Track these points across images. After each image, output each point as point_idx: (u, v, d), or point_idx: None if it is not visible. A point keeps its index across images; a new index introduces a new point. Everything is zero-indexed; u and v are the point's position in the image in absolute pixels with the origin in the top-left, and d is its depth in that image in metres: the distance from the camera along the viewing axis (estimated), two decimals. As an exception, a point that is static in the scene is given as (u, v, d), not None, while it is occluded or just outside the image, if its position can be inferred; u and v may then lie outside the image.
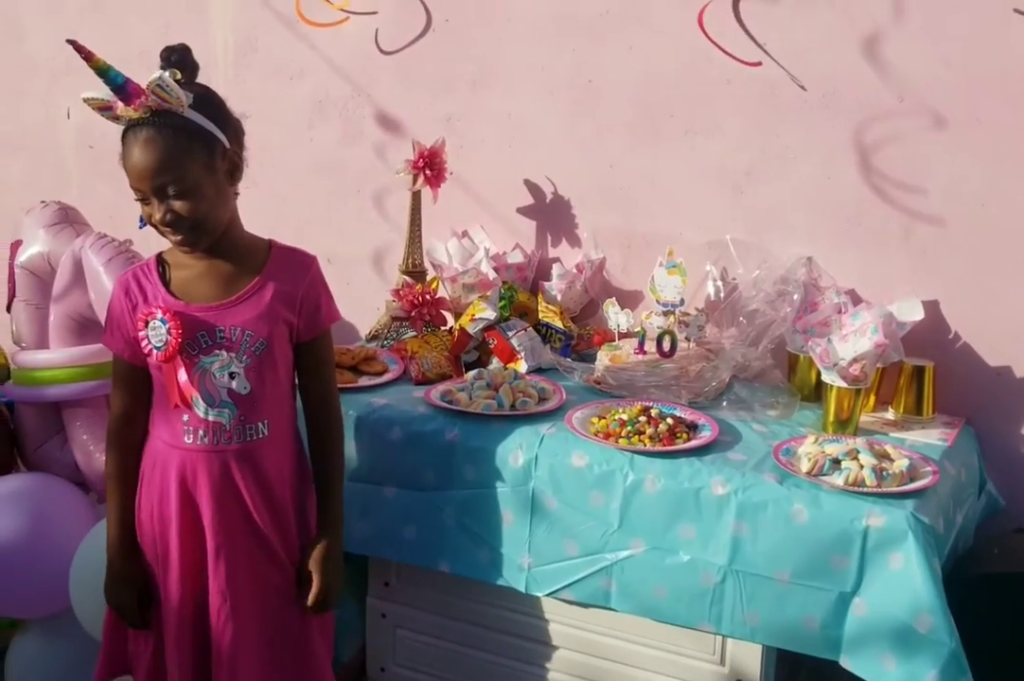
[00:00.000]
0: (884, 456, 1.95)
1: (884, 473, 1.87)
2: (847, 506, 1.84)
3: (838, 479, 1.88)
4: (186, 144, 1.75)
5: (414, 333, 2.46)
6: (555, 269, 2.53)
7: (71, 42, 1.73)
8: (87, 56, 1.72)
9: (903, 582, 1.79)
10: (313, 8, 2.66)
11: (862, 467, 1.88)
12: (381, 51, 2.67)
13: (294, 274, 1.88)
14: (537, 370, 2.37)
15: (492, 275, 2.47)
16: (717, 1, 2.28)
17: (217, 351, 1.81)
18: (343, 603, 2.33)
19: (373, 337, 2.55)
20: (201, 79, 2.90)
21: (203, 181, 1.77)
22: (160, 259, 1.88)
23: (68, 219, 2.58)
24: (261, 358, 1.83)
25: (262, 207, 2.89)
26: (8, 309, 2.65)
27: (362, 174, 2.76)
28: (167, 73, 1.72)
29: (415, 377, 2.30)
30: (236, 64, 2.85)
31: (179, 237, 1.80)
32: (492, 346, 2.37)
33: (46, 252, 2.54)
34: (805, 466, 1.92)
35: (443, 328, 2.49)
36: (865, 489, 1.85)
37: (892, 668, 1.79)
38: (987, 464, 2.24)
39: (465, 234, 2.64)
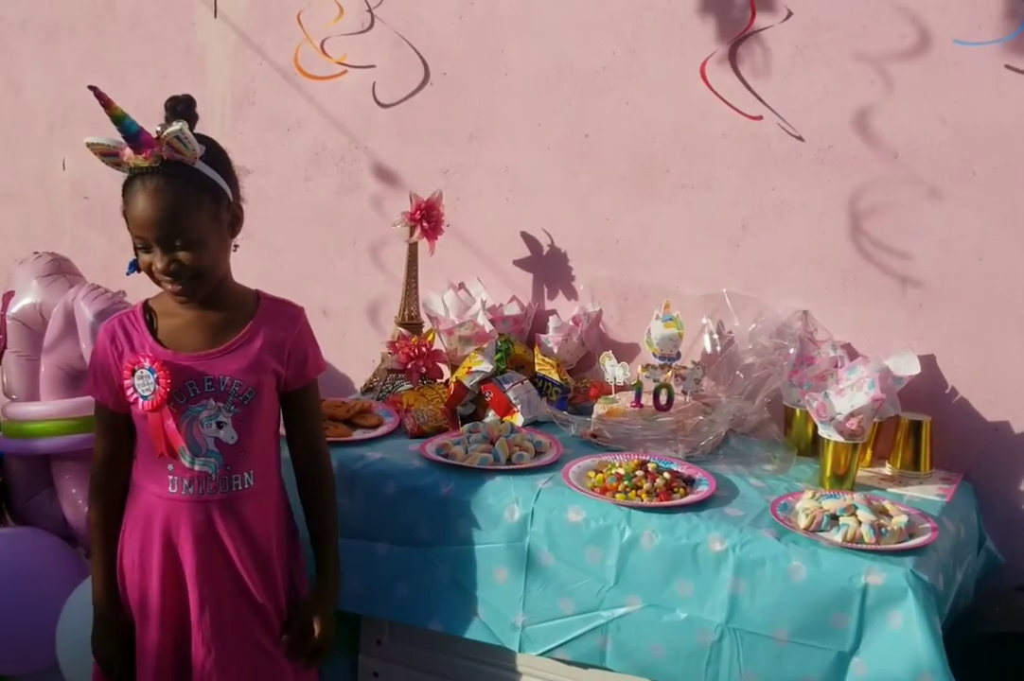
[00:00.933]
0: (882, 512, 1.93)
1: (883, 530, 1.85)
2: (846, 563, 1.81)
3: (836, 536, 1.86)
4: (195, 195, 1.76)
5: (410, 386, 2.44)
6: (551, 321, 2.52)
7: (92, 88, 1.73)
8: (106, 103, 1.73)
9: (903, 641, 1.76)
10: (311, 61, 2.69)
11: (860, 523, 1.86)
12: (379, 104, 2.69)
13: (282, 325, 1.88)
14: (533, 423, 2.35)
15: (488, 327, 2.47)
16: (714, 57, 2.31)
17: (205, 400, 1.80)
18: (334, 661, 2.31)
19: (368, 389, 2.54)
20: (198, 131, 2.94)
21: (209, 233, 1.78)
22: (147, 307, 1.87)
23: (61, 270, 2.59)
24: (249, 407, 1.82)
25: (258, 258, 2.91)
26: (-2, 360, 2.64)
27: (358, 226, 2.76)
28: (184, 125, 1.72)
29: (410, 430, 2.28)
30: (233, 116, 2.87)
31: (179, 287, 1.79)
32: (488, 399, 2.35)
33: (38, 303, 2.54)
34: (803, 522, 1.90)
35: (439, 381, 2.47)
36: (864, 546, 1.83)
37: (893, 731, 1.76)
38: (985, 520, 2.22)
39: (462, 286, 2.63)
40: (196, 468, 1.82)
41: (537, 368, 2.45)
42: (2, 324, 2.60)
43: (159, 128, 1.72)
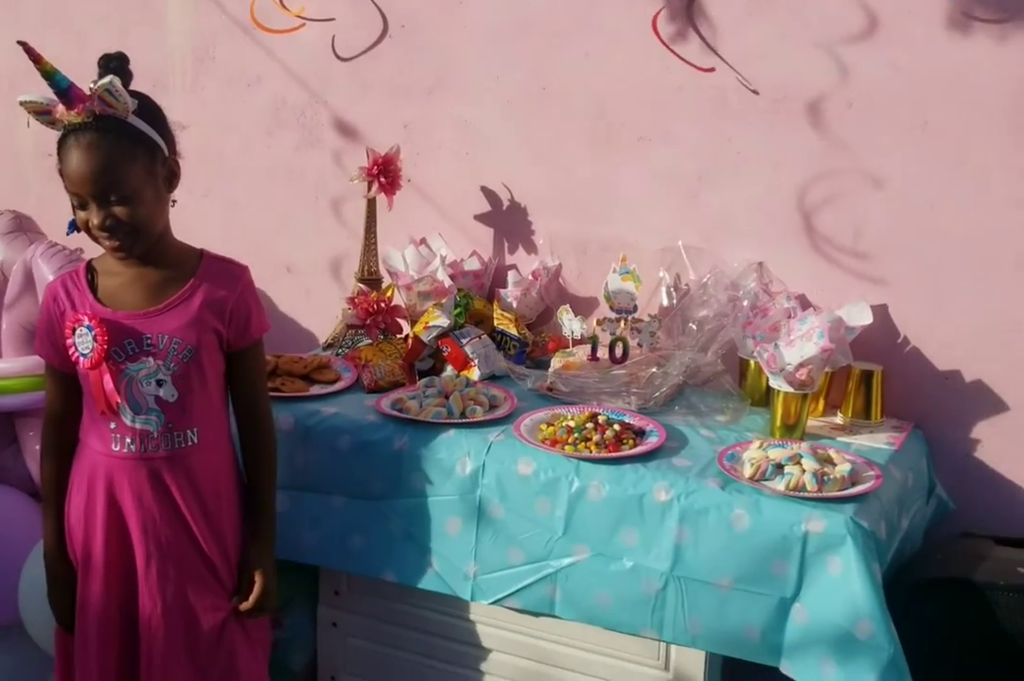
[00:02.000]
0: (828, 461, 1.95)
1: (825, 478, 1.87)
2: (787, 511, 1.84)
3: (779, 484, 1.88)
4: (129, 149, 1.76)
5: (369, 341, 2.45)
6: (511, 276, 2.53)
7: (22, 44, 1.73)
8: (36, 58, 1.73)
9: (842, 587, 1.78)
10: (269, 15, 2.66)
11: (804, 472, 1.88)
12: (338, 57, 2.67)
13: (224, 283, 1.88)
14: (491, 377, 2.36)
15: (448, 282, 2.47)
16: (669, 8, 2.29)
17: (144, 358, 1.81)
18: (295, 612, 2.35)
19: (329, 346, 2.55)
20: (159, 87, 2.93)
21: (144, 187, 1.78)
22: (89, 266, 1.88)
23: (22, 228, 2.59)
24: (189, 366, 1.83)
25: (221, 214, 2.92)
26: (-37, 318, 2.65)
27: (320, 181, 2.75)
28: (115, 79, 1.72)
29: (367, 385, 2.29)
30: (194, 71, 2.85)
31: (115, 243, 1.79)
32: (446, 354, 2.37)
33: (0, 261, 2.55)
34: (748, 471, 1.92)
35: (399, 336, 2.48)
36: (806, 494, 1.85)
37: (831, 674, 1.79)
38: (936, 468, 2.24)
39: (423, 242, 2.63)
40: (137, 426, 1.84)
41: (496, 323, 2.46)
42: (-35, 282, 2.61)
43: (91, 84, 1.72)
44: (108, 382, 1.82)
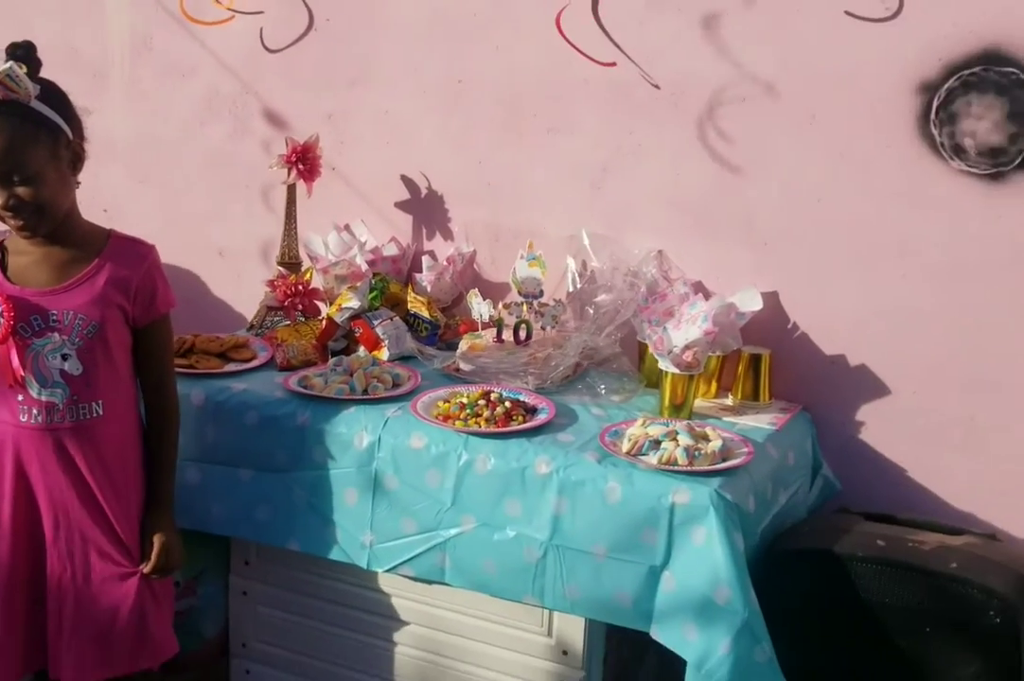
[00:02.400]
0: (703, 438, 2.05)
1: (697, 453, 1.97)
2: (657, 484, 1.93)
3: (652, 458, 1.97)
4: (32, 133, 1.85)
5: (288, 322, 2.55)
6: (425, 261, 2.62)
7: None
8: None
9: (705, 556, 1.88)
10: (202, 7, 2.76)
11: (677, 447, 1.98)
12: (267, 49, 2.76)
13: (130, 262, 1.97)
14: (403, 358, 2.46)
15: (364, 267, 2.57)
16: (576, 4, 2.39)
17: (49, 334, 1.91)
18: (208, 581, 2.44)
19: (251, 326, 2.64)
20: (99, 77, 3.02)
21: (46, 169, 1.87)
22: (1, 246, 1.97)
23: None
24: (93, 341, 1.92)
25: (159, 200, 3.02)
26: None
27: (250, 169, 2.85)
28: (15, 65, 1.82)
29: (280, 364, 2.39)
30: (132, 62, 2.95)
31: (20, 222, 1.89)
32: (358, 335, 2.46)
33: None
34: (625, 446, 2.02)
35: (317, 318, 2.57)
36: (677, 468, 1.95)
37: (694, 638, 1.89)
38: (823, 449, 2.34)
39: (347, 228, 2.73)
40: (43, 398, 1.93)
41: (409, 306, 2.55)
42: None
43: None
44: (14, 357, 1.91)
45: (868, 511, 2.16)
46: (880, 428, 2.32)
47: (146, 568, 2.02)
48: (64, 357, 1.92)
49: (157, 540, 2.02)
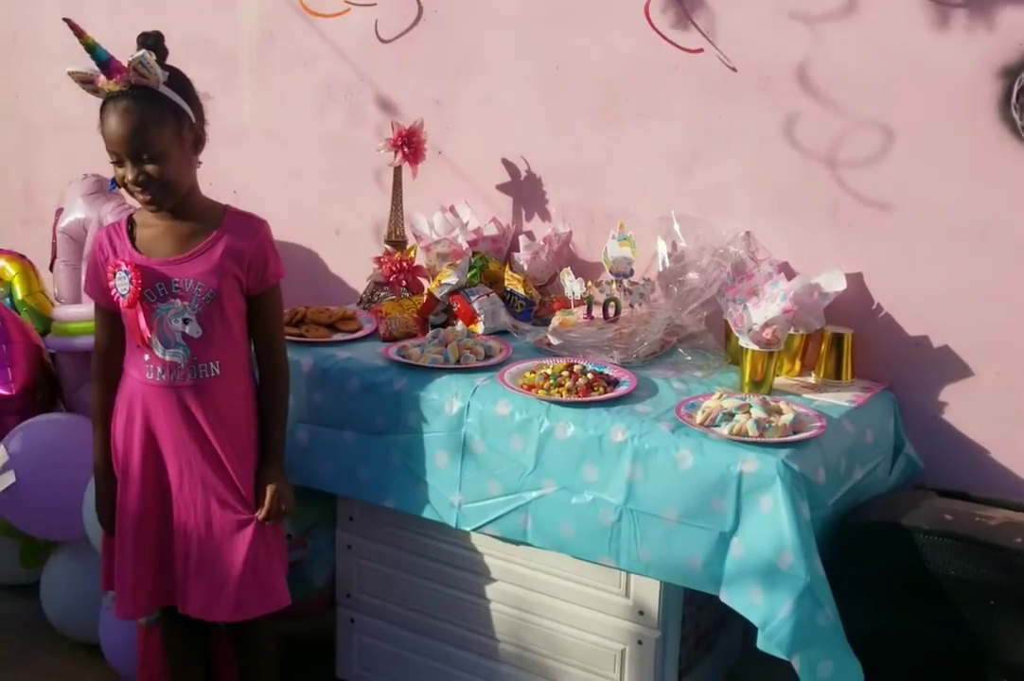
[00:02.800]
0: (776, 411, 2.12)
1: (768, 425, 2.05)
2: (727, 453, 2.02)
3: (724, 429, 2.06)
4: (159, 115, 2.05)
5: (393, 297, 2.71)
6: (522, 241, 2.75)
7: (66, 20, 2.05)
8: (78, 33, 2.05)
9: (771, 523, 1.96)
10: (321, 0, 2.94)
11: (748, 419, 2.06)
12: (380, 40, 2.92)
13: (244, 235, 2.15)
14: (499, 333, 2.59)
15: (464, 246, 2.71)
16: (666, -7, 2.48)
17: (172, 300, 2.10)
18: (318, 534, 2.63)
19: (360, 301, 2.82)
20: (228, 70, 3.23)
21: (172, 148, 2.07)
22: (130, 219, 2.18)
23: (102, 189, 2.93)
24: (211, 307, 2.11)
25: (281, 182, 3.21)
26: (51, 268, 3.01)
27: (364, 153, 3.00)
28: (147, 53, 2.02)
29: (383, 335, 2.55)
30: (259, 53, 3.15)
31: (147, 197, 2.09)
32: (456, 309, 2.61)
33: (82, 218, 2.90)
34: (699, 418, 2.10)
35: (419, 294, 2.73)
36: (747, 439, 2.03)
37: (759, 601, 1.97)
38: (907, 429, 2.38)
39: (451, 209, 2.88)
40: (167, 358, 2.14)
41: (506, 283, 2.68)
42: (53, 237, 2.97)
43: (130, 57, 2.01)
44: (142, 319, 2.12)
45: (943, 488, 2.20)
46: (963, 409, 2.35)
47: (260, 514, 2.20)
48: (185, 321, 2.12)
49: (270, 489, 2.20)
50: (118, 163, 2.07)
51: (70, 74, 2.05)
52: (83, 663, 2.92)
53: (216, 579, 2.22)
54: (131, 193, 2.10)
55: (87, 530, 2.68)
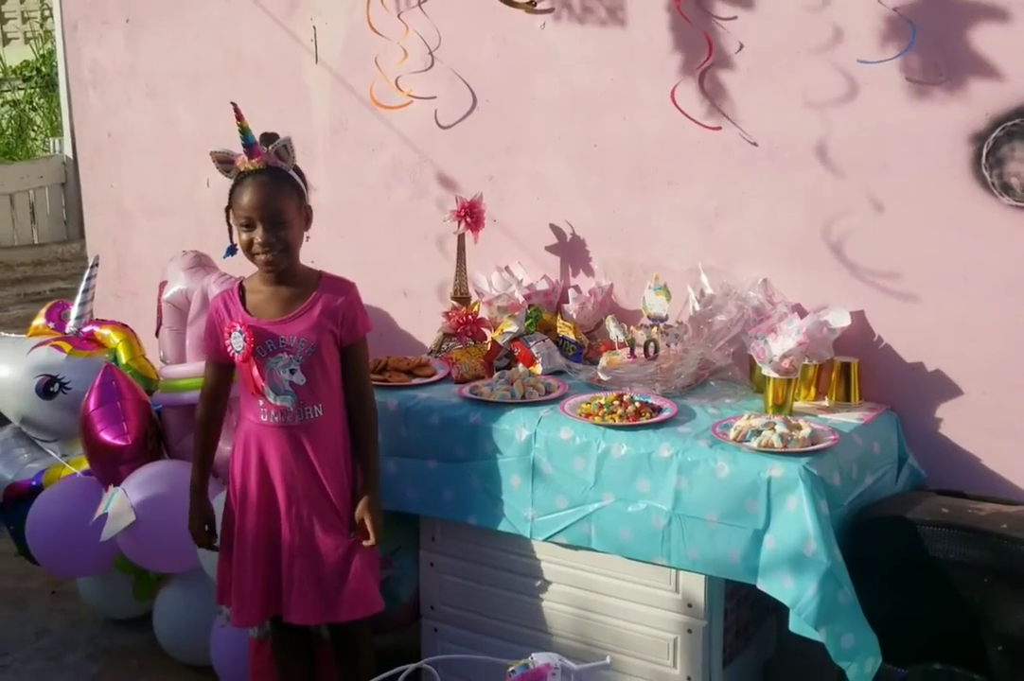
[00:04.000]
0: (796, 428, 2.51)
1: (790, 439, 2.44)
2: (757, 463, 2.40)
3: (753, 443, 2.45)
4: (290, 191, 2.50)
5: (460, 345, 3.13)
6: (571, 294, 3.18)
7: (233, 104, 2.50)
8: (239, 116, 2.51)
9: (796, 519, 2.34)
10: (387, 94, 3.41)
11: (773, 434, 2.45)
12: (439, 126, 3.39)
13: (337, 296, 2.56)
14: (555, 373, 3.00)
15: (520, 300, 3.14)
16: (686, 80, 2.93)
17: (280, 354, 2.51)
18: (404, 554, 3.00)
19: (431, 351, 3.24)
20: (305, 155, 3.70)
21: (295, 218, 2.50)
22: (241, 286, 2.60)
23: (201, 263, 3.38)
24: (312, 358, 2.52)
25: (353, 251, 3.67)
26: (156, 335, 3.45)
27: (428, 223, 3.46)
28: (291, 139, 2.47)
29: (455, 378, 2.97)
30: (332, 141, 3.63)
31: (269, 257, 2.48)
32: (517, 354, 3.02)
33: (184, 289, 3.33)
34: (732, 434, 2.50)
35: (484, 342, 3.15)
36: (774, 450, 2.42)
37: (789, 585, 2.34)
38: (909, 443, 2.76)
39: (507, 269, 3.31)
40: (278, 403, 2.53)
41: (559, 330, 3.10)
42: (159, 306, 3.41)
43: (266, 143, 2.47)
44: (255, 371, 2.52)
45: (939, 488, 2.58)
46: (956, 424, 2.73)
47: (366, 542, 2.57)
48: (292, 371, 2.52)
49: (372, 519, 2.57)
50: (248, 227, 2.47)
51: (212, 153, 2.50)
52: (196, 682, 3.29)
53: (316, 588, 2.58)
54: (252, 255, 2.50)
55: (203, 564, 3.05)
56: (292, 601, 2.60)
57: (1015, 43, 2.52)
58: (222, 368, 2.62)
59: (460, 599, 2.90)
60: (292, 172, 2.52)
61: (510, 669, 1.56)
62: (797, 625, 2.33)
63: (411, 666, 1.57)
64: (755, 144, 2.88)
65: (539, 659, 1.56)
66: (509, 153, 3.28)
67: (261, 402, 2.55)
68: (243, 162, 2.49)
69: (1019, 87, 2.52)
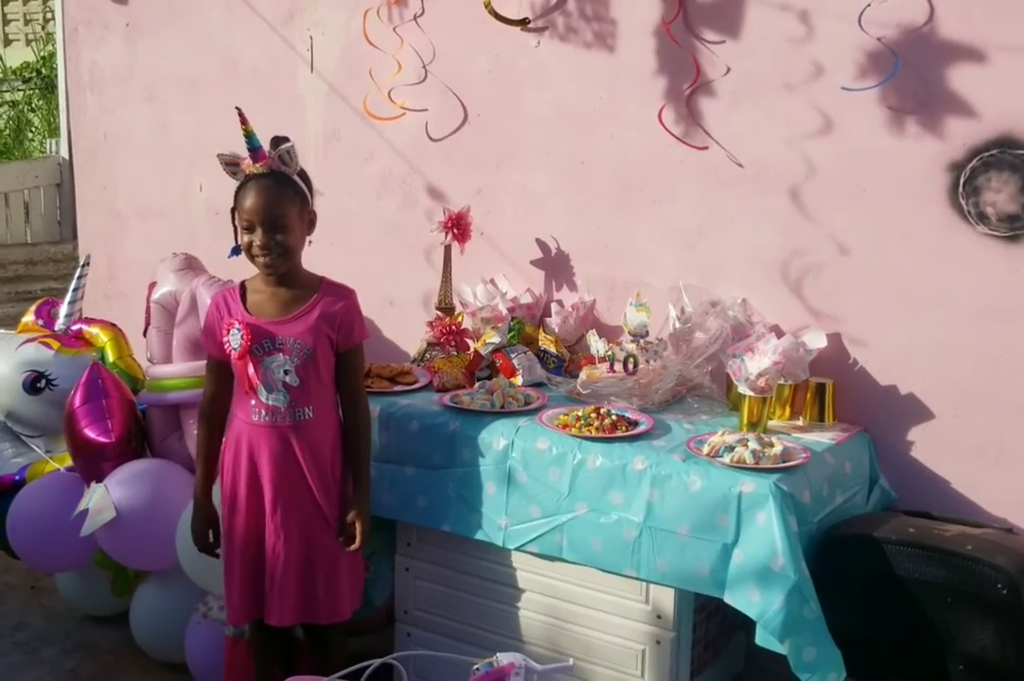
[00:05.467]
0: (768, 445, 2.56)
1: (762, 455, 2.49)
2: (729, 478, 2.45)
3: (726, 459, 2.50)
4: (291, 195, 2.53)
5: (443, 355, 3.18)
6: (554, 308, 3.22)
7: (238, 109, 2.53)
8: (243, 120, 2.53)
9: (765, 534, 2.38)
10: (380, 106, 3.47)
11: (746, 450, 2.50)
12: (430, 138, 3.45)
13: (336, 302, 2.60)
14: (536, 385, 3.04)
15: (504, 312, 3.18)
16: (673, 101, 2.99)
17: (276, 354, 2.55)
18: (379, 560, 3.04)
19: (414, 360, 3.29)
20: (300, 162, 3.73)
21: (296, 223, 2.54)
22: (242, 285, 2.64)
23: (191, 266, 3.41)
24: (307, 360, 2.55)
25: (341, 259, 3.69)
26: (144, 334, 3.48)
27: (416, 234, 3.51)
28: (294, 146, 2.50)
29: (436, 387, 3.01)
30: (324, 149, 3.68)
31: (268, 260, 2.52)
32: (498, 365, 3.07)
33: (173, 291, 3.36)
34: (705, 450, 2.54)
35: (466, 352, 3.20)
36: (746, 465, 2.47)
37: (756, 599, 2.39)
38: (881, 464, 2.81)
39: (492, 281, 3.36)
40: (270, 403, 2.56)
41: (540, 343, 3.15)
42: (147, 307, 3.45)
43: (273, 148, 2.51)
44: (251, 369, 2.55)
45: (907, 509, 2.63)
46: (927, 446, 2.78)
47: (353, 546, 2.60)
48: (286, 372, 2.55)
49: (357, 521, 2.60)
50: (249, 230, 2.50)
51: (219, 156, 2.53)
52: (169, 679, 3.31)
53: (299, 591, 2.60)
54: (252, 257, 2.53)
55: (182, 562, 3.08)
56: (273, 603, 2.62)
57: (993, 77, 2.59)
58: (222, 366, 2.64)
59: (434, 604, 2.94)
60: (296, 177, 2.56)
61: (475, 667, 1.59)
62: (763, 638, 2.38)
63: (377, 661, 1.60)
64: (740, 165, 2.93)
65: (504, 659, 1.59)
66: (498, 167, 3.34)
67: (253, 401, 2.58)
68: (248, 165, 2.53)
69: (996, 119, 2.59)
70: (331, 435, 2.65)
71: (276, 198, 2.49)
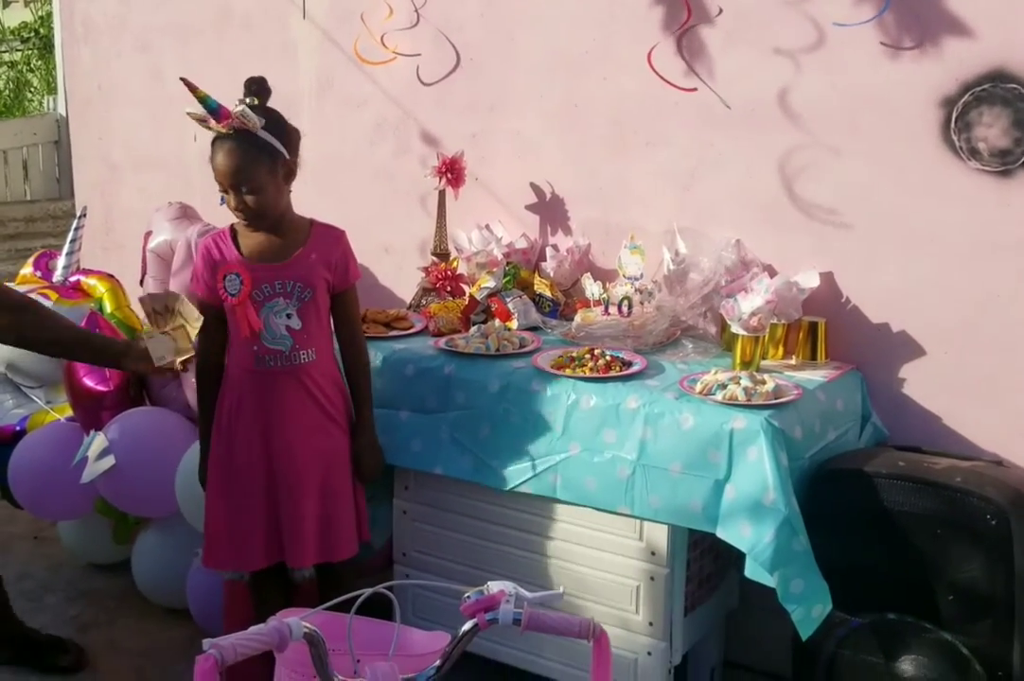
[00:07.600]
0: (760, 383, 2.57)
1: (753, 392, 2.50)
2: (721, 415, 2.46)
3: (719, 396, 2.52)
4: (256, 156, 2.52)
5: (439, 300, 3.19)
6: (549, 252, 3.23)
7: (183, 79, 2.52)
8: (192, 88, 2.52)
9: (757, 469, 2.40)
10: (371, 50, 3.45)
11: (738, 387, 2.52)
12: (423, 83, 3.43)
13: (330, 244, 2.62)
14: (531, 329, 3.05)
15: (499, 256, 3.19)
16: (664, 42, 2.97)
17: (276, 298, 2.56)
18: (379, 503, 3.07)
19: (410, 305, 3.30)
20: (291, 110, 3.74)
21: (266, 183, 2.53)
22: (232, 228, 2.65)
23: (186, 214, 3.42)
24: (307, 303, 2.57)
25: (335, 207, 3.69)
26: (141, 283, 3.50)
27: (410, 180, 3.51)
28: (247, 106, 2.49)
29: (432, 331, 3.02)
30: (318, 97, 3.66)
31: (246, 220, 2.56)
32: (494, 309, 3.08)
33: (169, 240, 3.38)
34: (698, 388, 2.56)
35: (462, 297, 3.20)
36: (737, 403, 2.49)
37: (747, 533, 2.41)
38: (873, 402, 2.82)
39: (487, 226, 3.36)
40: (274, 347, 2.59)
41: (536, 287, 3.16)
42: (143, 256, 3.46)
43: (235, 106, 2.50)
44: (252, 314, 2.56)
45: (896, 444, 2.65)
46: (919, 384, 2.79)
47: (360, 478, 2.67)
48: (288, 316, 2.57)
49: (370, 455, 2.68)
50: (224, 191, 2.54)
51: (188, 114, 2.53)
52: (170, 624, 3.37)
53: (320, 530, 2.66)
54: (234, 213, 2.57)
55: (181, 508, 3.13)
56: (295, 546, 2.66)
57: (985, 11, 2.56)
58: (214, 311, 2.61)
59: (431, 546, 2.97)
60: (263, 131, 2.51)
61: (466, 595, 1.62)
62: (752, 570, 2.41)
63: (368, 590, 1.62)
64: (730, 107, 2.92)
65: (494, 586, 1.61)
66: (491, 112, 3.32)
67: (256, 347, 2.59)
68: (213, 125, 2.52)
69: (988, 53, 2.56)
70: (334, 374, 2.70)
71: (241, 161, 2.49)
